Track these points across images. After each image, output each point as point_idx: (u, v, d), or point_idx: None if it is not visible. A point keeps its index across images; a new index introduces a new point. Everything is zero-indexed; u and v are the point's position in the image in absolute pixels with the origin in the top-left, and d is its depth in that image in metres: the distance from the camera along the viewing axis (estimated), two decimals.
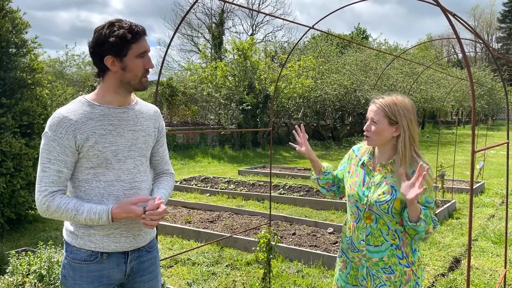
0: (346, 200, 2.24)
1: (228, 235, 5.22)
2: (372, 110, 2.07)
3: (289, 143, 2.37)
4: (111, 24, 1.73)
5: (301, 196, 7.91)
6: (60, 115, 1.73)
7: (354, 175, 2.17)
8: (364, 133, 2.10)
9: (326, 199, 7.28)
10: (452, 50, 52.51)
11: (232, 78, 16.56)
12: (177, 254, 4.71)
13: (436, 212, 6.34)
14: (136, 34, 1.73)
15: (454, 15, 2.24)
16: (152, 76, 1.95)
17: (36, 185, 1.74)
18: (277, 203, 7.64)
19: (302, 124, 2.39)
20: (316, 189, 8.35)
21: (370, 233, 2.06)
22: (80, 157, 1.76)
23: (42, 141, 1.75)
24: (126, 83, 1.78)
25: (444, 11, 1.76)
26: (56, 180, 1.73)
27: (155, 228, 2.00)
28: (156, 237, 2.11)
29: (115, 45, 1.70)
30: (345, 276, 2.21)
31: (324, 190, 2.38)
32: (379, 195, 2.02)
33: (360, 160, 2.18)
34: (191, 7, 2.71)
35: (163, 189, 1.97)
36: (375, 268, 2.07)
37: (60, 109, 1.76)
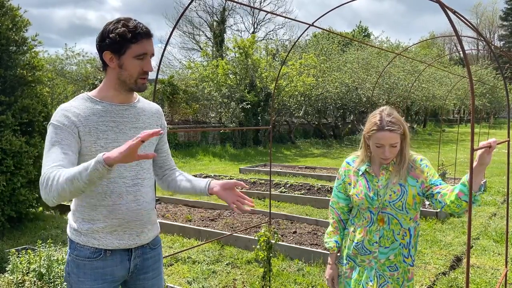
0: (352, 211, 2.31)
1: (229, 233, 5.21)
2: (390, 137, 2.06)
3: None
4: (117, 21, 1.73)
5: (302, 194, 7.90)
6: (64, 107, 1.75)
7: (357, 185, 2.23)
8: (384, 160, 2.14)
9: (327, 198, 7.26)
10: (454, 47, 52.37)
11: (233, 76, 16.53)
12: (178, 252, 4.71)
13: (437, 211, 6.32)
14: (137, 34, 1.71)
15: (454, 12, 2.22)
16: (151, 73, 1.92)
17: (42, 171, 1.61)
18: (278, 201, 7.63)
19: None
20: (317, 187, 8.34)
21: (383, 235, 2.15)
22: (83, 153, 1.74)
23: (48, 132, 1.70)
24: (122, 81, 1.78)
25: (444, 7, 1.74)
26: (62, 158, 1.61)
27: (158, 226, 2.02)
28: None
29: (115, 42, 1.70)
30: (350, 281, 2.26)
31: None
32: (390, 195, 2.12)
33: (359, 170, 2.24)
34: (188, 5, 2.70)
35: (188, 176, 2.06)
36: (382, 268, 2.17)
37: (64, 104, 1.78)
